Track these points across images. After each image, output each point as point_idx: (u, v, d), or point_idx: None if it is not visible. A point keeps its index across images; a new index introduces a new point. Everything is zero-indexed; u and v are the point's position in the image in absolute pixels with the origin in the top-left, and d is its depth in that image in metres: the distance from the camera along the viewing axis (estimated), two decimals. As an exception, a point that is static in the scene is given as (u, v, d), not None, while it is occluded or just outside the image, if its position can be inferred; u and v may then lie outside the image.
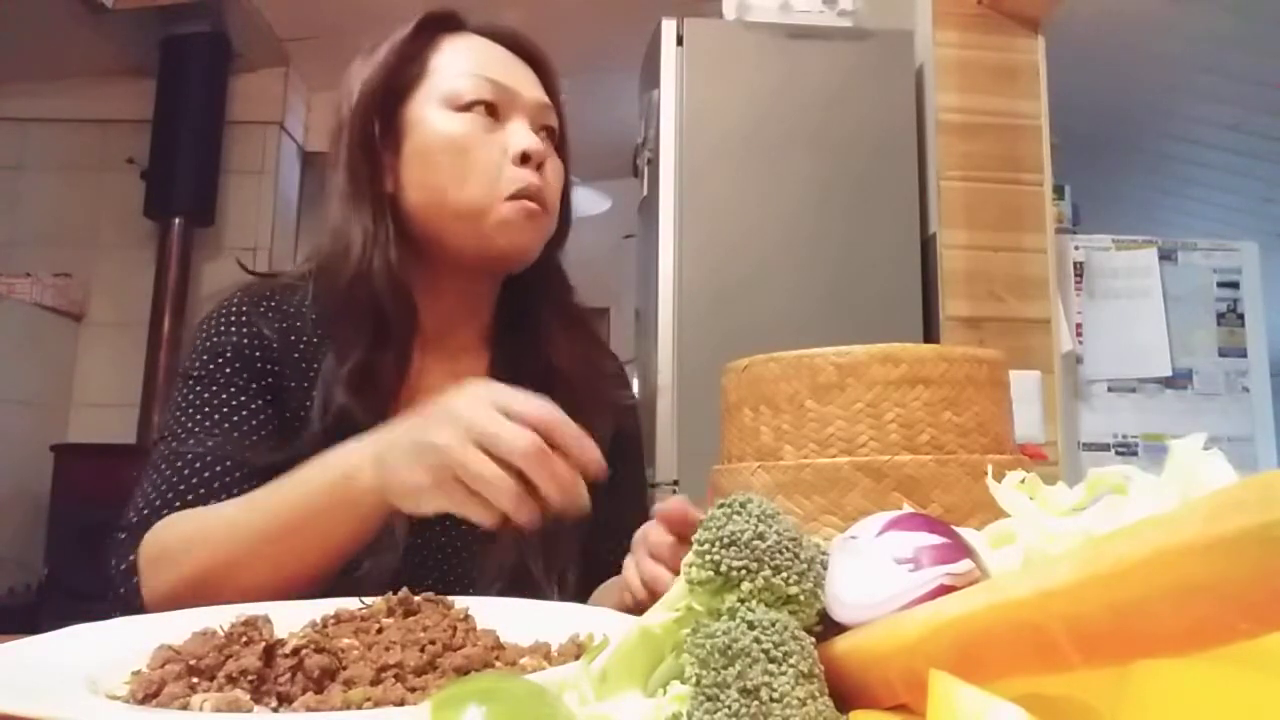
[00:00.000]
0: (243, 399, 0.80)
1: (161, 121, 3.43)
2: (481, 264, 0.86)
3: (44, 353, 3.41)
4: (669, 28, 2.22)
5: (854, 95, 2.23)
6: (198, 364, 0.82)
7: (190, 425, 0.79)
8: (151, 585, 0.71)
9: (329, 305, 0.83)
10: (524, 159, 0.81)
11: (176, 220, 3.43)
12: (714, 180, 2.17)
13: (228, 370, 0.81)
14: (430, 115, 0.83)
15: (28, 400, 3.29)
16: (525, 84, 0.86)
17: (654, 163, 2.20)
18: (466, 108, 0.82)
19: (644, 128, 2.32)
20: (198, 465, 0.76)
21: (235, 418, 0.79)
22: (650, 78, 2.30)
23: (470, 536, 0.84)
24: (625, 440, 0.92)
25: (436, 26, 0.87)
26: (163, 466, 0.77)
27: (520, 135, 0.82)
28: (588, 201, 4.30)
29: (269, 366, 0.82)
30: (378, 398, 0.80)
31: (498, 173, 0.81)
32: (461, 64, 0.85)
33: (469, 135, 0.82)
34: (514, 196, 0.81)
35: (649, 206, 2.26)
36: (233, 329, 0.83)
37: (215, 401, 0.80)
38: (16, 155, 3.59)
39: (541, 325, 0.89)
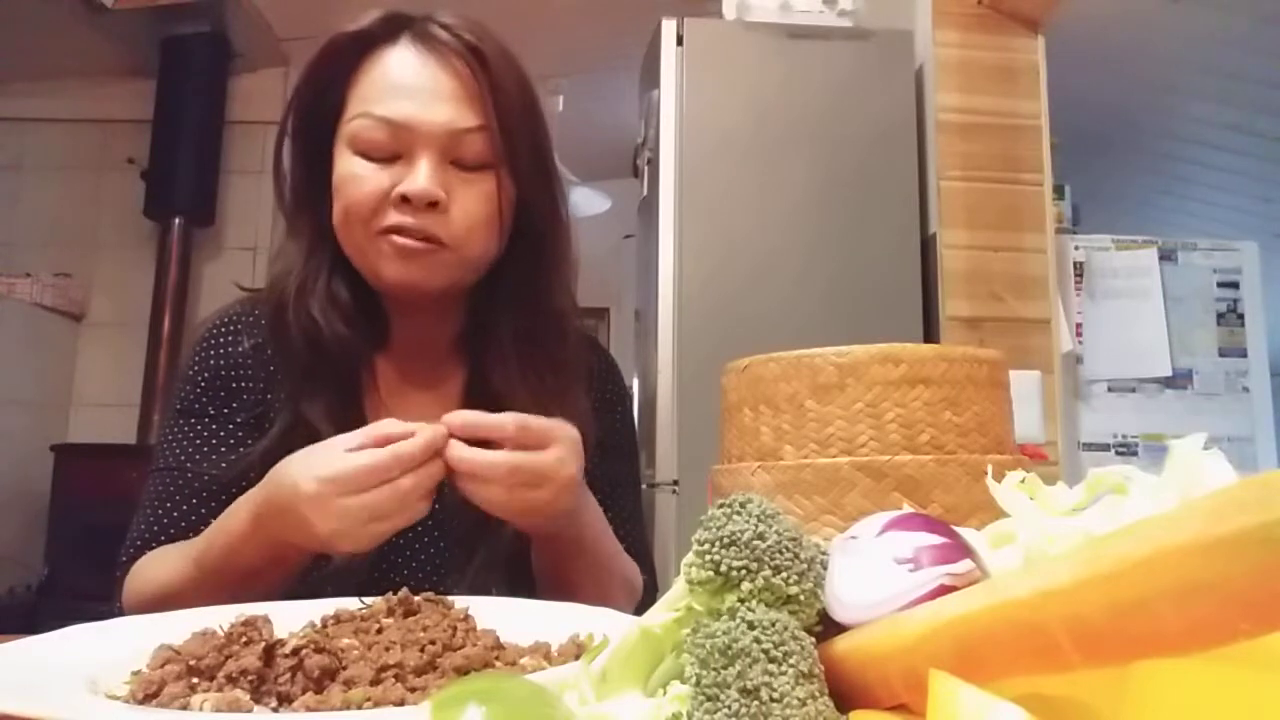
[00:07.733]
0: (229, 425, 0.84)
1: (161, 121, 3.43)
2: (390, 293, 0.84)
3: (44, 353, 3.41)
4: (669, 28, 2.22)
5: (854, 95, 2.23)
6: (179, 396, 0.86)
7: (182, 457, 0.83)
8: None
9: (270, 325, 0.85)
10: (403, 201, 0.77)
11: (176, 220, 3.43)
12: (714, 180, 2.17)
13: (204, 399, 0.85)
14: (339, 154, 0.81)
15: (28, 400, 3.29)
16: (436, 111, 0.78)
17: (654, 163, 2.20)
18: (362, 151, 0.79)
19: (644, 128, 2.32)
20: (188, 492, 0.81)
21: (221, 446, 0.83)
22: (650, 78, 2.30)
23: (445, 527, 0.84)
24: (610, 436, 0.92)
25: (355, 47, 0.82)
26: (155, 502, 0.82)
27: (411, 177, 0.77)
28: (588, 201, 4.30)
29: (244, 384, 0.85)
30: (337, 411, 0.80)
31: (375, 212, 0.78)
32: (364, 100, 0.80)
33: (357, 178, 0.79)
34: (386, 232, 0.78)
35: (649, 206, 2.26)
36: (210, 355, 0.86)
37: (192, 434, 0.84)
38: (16, 155, 3.59)
39: (492, 344, 0.86)
